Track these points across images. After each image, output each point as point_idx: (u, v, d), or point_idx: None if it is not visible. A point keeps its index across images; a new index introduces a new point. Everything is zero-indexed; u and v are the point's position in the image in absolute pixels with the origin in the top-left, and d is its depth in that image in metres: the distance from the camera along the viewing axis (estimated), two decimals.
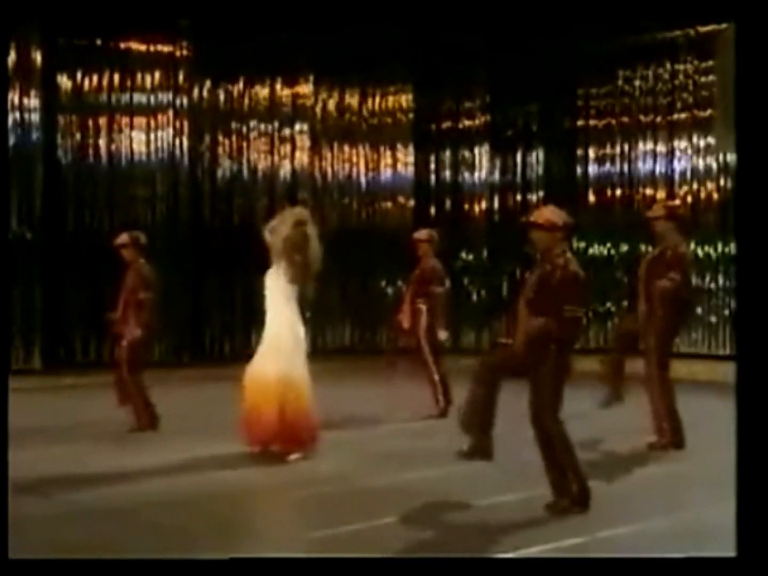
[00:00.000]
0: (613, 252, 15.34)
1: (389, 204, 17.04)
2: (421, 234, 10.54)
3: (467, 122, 17.00)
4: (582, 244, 15.50)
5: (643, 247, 14.48)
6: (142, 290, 9.16)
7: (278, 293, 8.22)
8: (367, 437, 9.25)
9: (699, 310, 14.52)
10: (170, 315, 13.82)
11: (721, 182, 14.32)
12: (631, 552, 5.31)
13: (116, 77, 14.75)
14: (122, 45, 14.78)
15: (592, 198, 15.84)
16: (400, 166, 17.14)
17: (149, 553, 5.41)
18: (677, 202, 8.91)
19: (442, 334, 10.24)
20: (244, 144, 15.87)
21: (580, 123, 15.95)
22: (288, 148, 16.12)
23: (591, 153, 15.84)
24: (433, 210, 17.10)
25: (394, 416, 10.21)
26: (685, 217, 8.72)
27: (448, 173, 17.22)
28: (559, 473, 6.35)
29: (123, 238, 9.37)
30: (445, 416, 9.82)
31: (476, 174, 17.00)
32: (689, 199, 14.78)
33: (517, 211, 16.57)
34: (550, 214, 6.45)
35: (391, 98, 17.00)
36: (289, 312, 8.21)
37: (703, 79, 14.47)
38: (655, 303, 8.24)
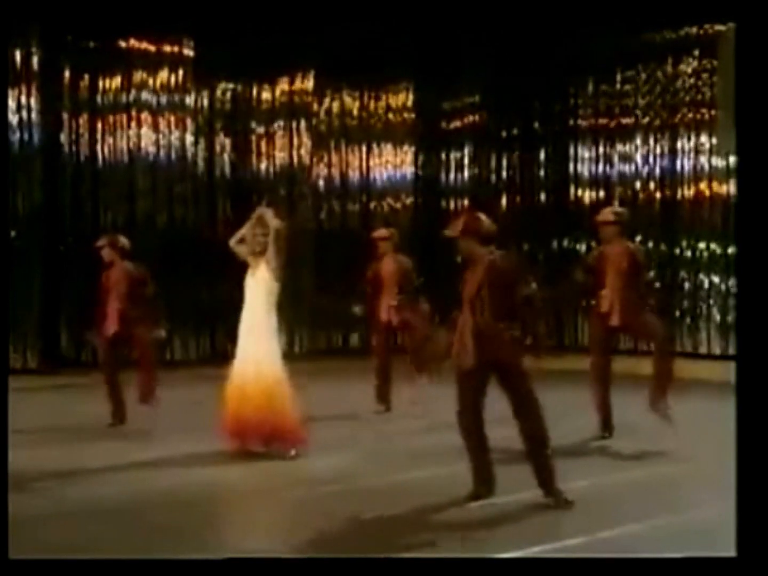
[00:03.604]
0: None
1: (389, 204, 17.05)
2: (381, 232, 10.67)
3: (467, 122, 17.02)
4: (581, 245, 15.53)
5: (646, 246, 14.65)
6: (129, 286, 9.52)
7: (261, 292, 8.23)
8: (369, 436, 9.25)
9: (702, 310, 14.58)
10: (173, 314, 13.82)
11: (723, 182, 14.33)
12: (631, 552, 5.31)
13: (117, 77, 14.76)
14: (124, 45, 14.78)
15: (591, 198, 15.85)
16: (400, 166, 17.14)
17: (149, 553, 5.42)
18: (622, 208, 9.22)
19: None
20: (246, 143, 15.89)
21: (579, 123, 15.95)
22: (289, 147, 16.14)
23: (590, 153, 15.85)
24: (433, 210, 17.12)
25: (397, 414, 10.25)
26: (628, 221, 9.00)
27: (448, 173, 17.24)
28: (549, 472, 6.45)
29: (102, 240, 9.84)
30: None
31: (476, 174, 17.01)
32: (690, 198, 14.81)
33: (517, 210, 16.64)
34: (459, 222, 6.62)
35: (391, 97, 17.01)
36: (270, 310, 8.25)
37: (704, 79, 14.47)
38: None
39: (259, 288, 8.24)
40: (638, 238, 13.44)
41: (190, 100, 15.30)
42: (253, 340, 8.20)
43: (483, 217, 6.64)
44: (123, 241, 9.80)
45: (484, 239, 6.49)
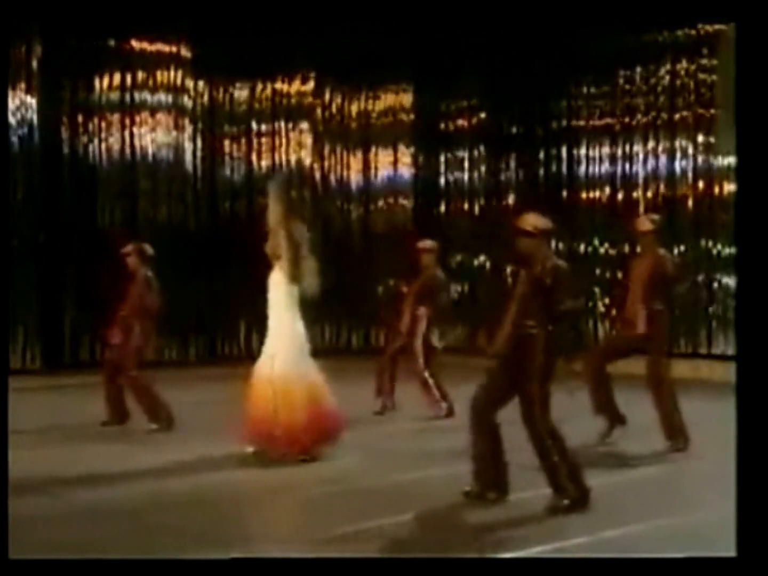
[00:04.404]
0: (612, 252, 15.31)
1: (389, 204, 17.05)
2: (426, 244, 10.58)
3: (467, 122, 17.01)
4: (581, 245, 15.54)
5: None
6: (147, 299, 9.36)
7: (279, 295, 8.25)
8: (371, 437, 9.25)
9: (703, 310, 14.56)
10: (175, 314, 13.81)
11: (723, 182, 14.32)
12: (632, 552, 5.31)
13: (117, 77, 14.77)
14: (124, 45, 14.80)
15: (590, 198, 15.83)
16: (400, 166, 17.14)
17: (150, 554, 5.42)
18: (657, 215, 9.16)
19: (437, 342, 10.32)
20: (246, 143, 15.89)
21: (579, 123, 15.94)
22: (289, 147, 16.14)
23: (590, 153, 15.83)
24: (432, 210, 17.12)
25: (399, 416, 10.25)
26: (663, 227, 8.94)
27: (448, 173, 17.23)
28: (552, 472, 6.39)
29: (128, 247, 9.62)
30: (452, 416, 9.90)
31: (475, 174, 17.00)
32: (690, 198, 14.80)
33: (516, 211, 16.61)
34: (534, 219, 6.58)
35: (391, 98, 17.01)
36: (290, 314, 8.24)
37: (703, 79, 14.46)
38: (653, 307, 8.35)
39: (278, 290, 8.25)
40: None
41: (189, 100, 15.30)
42: (276, 340, 8.21)
43: (535, 214, 6.58)
44: (149, 250, 9.61)
45: (550, 241, 6.50)
